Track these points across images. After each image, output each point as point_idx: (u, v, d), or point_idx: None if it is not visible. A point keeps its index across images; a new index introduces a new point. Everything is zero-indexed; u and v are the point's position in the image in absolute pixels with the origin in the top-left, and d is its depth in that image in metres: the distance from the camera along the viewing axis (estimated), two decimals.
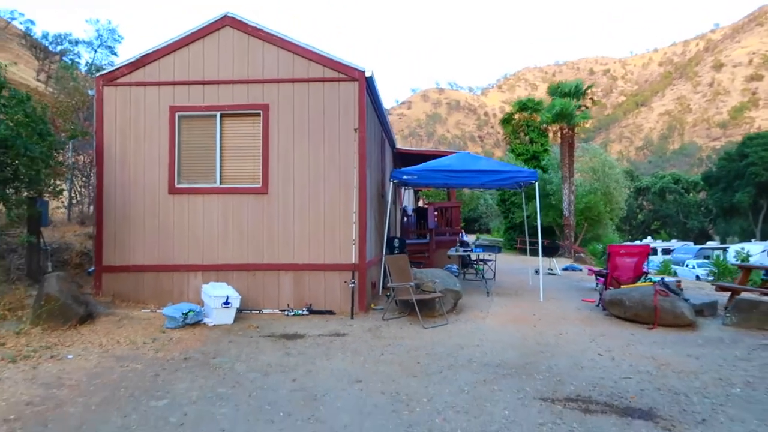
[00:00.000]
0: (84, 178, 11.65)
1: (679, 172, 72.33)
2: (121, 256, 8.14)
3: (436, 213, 14.87)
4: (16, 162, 6.50)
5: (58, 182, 9.49)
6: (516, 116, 34.16)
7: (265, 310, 7.85)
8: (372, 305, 8.40)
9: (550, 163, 31.81)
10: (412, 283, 7.64)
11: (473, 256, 12.72)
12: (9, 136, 6.14)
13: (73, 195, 11.60)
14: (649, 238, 44.58)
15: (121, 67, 8.41)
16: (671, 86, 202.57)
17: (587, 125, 28.06)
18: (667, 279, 9.12)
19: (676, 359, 5.72)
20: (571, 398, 4.48)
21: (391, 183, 10.14)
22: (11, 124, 6.44)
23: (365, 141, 8.18)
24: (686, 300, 7.53)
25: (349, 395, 4.45)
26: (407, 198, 19.08)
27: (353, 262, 7.94)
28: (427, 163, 10.50)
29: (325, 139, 8.13)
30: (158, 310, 7.40)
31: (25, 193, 7.75)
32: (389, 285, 7.86)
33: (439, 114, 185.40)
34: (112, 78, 8.39)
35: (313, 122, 8.16)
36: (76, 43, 67.04)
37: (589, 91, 27.23)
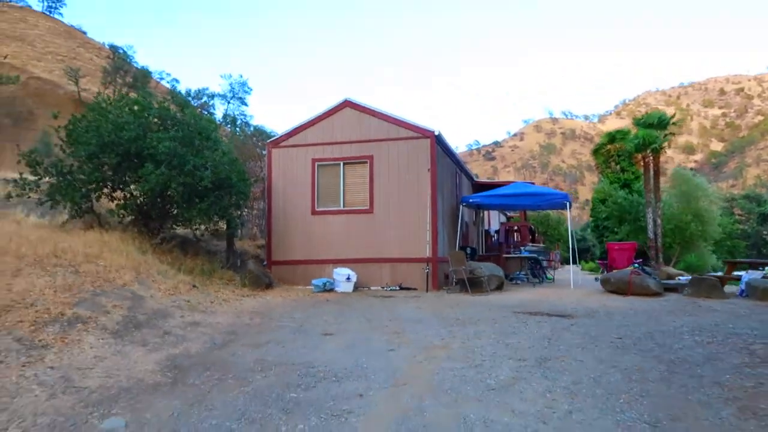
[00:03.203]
0: (251, 208, 17.18)
1: None
2: (282, 254, 13.25)
3: (507, 231, 18.93)
4: (234, 196, 11.77)
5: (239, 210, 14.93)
6: (608, 146, 36.91)
7: (372, 287, 12.51)
8: (443, 288, 12.76)
9: (642, 189, 34.16)
10: (464, 267, 11.95)
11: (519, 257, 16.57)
12: (229, 178, 11.40)
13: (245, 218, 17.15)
14: None
15: (282, 136, 13.73)
16: None
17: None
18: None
19: (615, 304, 9.60)
20: (533, 312, 8.63)
21: (461, 206, 14.54)
22: (227, 167, 11.67)
23: (436, 176, 12.72)
24: (655, 279, 11.15)
25: (412, 311, 8.95)
26: (494, 221, 23.21)
27: (428, 256, 12.41)
28: (489, 191, 14.83)
29: (409, 175, 12.78)
30: (306, 287, 12.32)
31: (225, 217, 13.09)
32: (450, 270, 12.24)
33: (553, 144, 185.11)
34: (276, 143, 13.73)
35: (401, 165, 12.86)
36: (212, 96, 78.11)
37: (672, 120, 29.77)
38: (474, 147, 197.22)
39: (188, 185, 10.40)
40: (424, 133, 12.84)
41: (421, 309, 9.23)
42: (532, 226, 19.63)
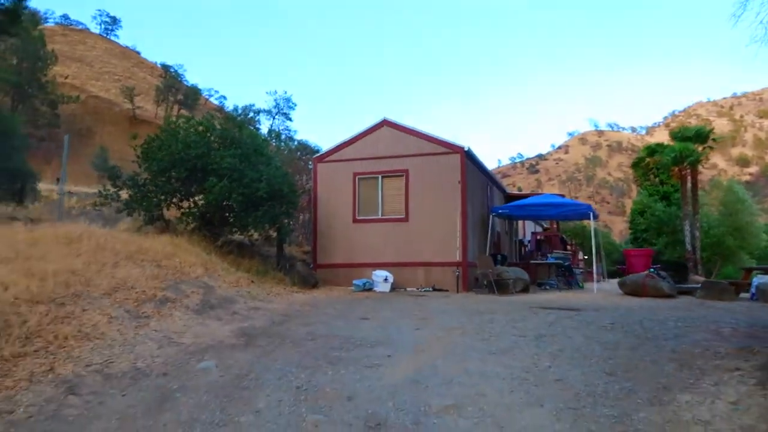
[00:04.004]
0: (297, 218, 18.83)
1: None
2: (327, 258, 14.78)
3: (538, 240, 20.03)
4: (285, 206, 13.37)
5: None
6: (647, 159, 37.37)
7: (407, 288, 13.88)
8: (473, 289, 14.01)
9: (680, 202, 34.49)
10: (491, 270, 13.19)
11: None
12: (281, 190, 13.00)
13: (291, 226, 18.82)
14: None
15: (326, 152, 15.34)
16: None
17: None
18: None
19: (625, 302, 10.70)
20: (546, 307, 9.83)
21: (491, 216, 15.80)
22: (279, 180, 13.25)
23: (465, 187, 14.03)
24: (669, 282, 12.15)
25: (439, 305, 10.30)
26: (529, 231, 24.27)
27: (458, 260, 13.71)
28: (516, 201, 16.05)
29: (441, 187, 14.13)
30: (348, 287, 13.78)
31: (277, 224, 14.72)
32: (478, 273, 13.51)
33: (599, 157, 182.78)
34: (321, 158, 15.34)
35: (434, 178, 14.23)
36: (258, 112, 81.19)
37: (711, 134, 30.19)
38: (517, 160, 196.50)
39: (246, 196, 12.03)
40: (454, 149, 14.20)
41: (448, 304, 10.54)
42: (563, 236, 20.63)
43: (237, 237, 14.22)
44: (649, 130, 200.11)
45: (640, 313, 8.75)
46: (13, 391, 4.30)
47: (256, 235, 13.74)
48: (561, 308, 9.62)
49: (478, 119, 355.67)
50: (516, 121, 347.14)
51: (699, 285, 12.72)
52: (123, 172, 13.15)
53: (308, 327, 7.55)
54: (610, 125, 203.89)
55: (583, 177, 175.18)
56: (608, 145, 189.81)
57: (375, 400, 4.64)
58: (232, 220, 13.05)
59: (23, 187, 22.20)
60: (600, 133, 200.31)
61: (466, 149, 14.10)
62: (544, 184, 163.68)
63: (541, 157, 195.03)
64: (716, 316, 8.35)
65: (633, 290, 12.22)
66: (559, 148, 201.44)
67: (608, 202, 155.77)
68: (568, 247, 24.07)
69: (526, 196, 18.83)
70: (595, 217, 15.51)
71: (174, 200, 12.79)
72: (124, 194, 12.79)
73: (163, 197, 12.48)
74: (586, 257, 28.62)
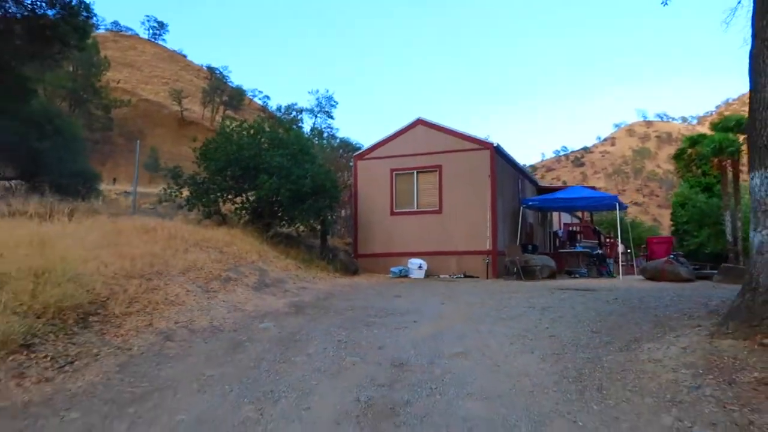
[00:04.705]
0: (339, 212, 20.28)
1: None
2: (366, 248, 16.12)
3: (570, 231, 20.89)
4: (328, 200, 14.77)
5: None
6: (689, 151, 37.35)
7: (441, 275, 15.08)
8: (503, 276, 15.10)
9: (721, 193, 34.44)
10: (518, 258, 14.26)
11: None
12: (324, 186, 14.39)
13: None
14: None
15: (365, 150, 16.68)
16: None
17: None
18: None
19: (641, 285, 11.65)
20: (564, 289, 10.89)
21: (522, 207, 16.84)
22: (323, 176, 14.65)
23: (495, 181, 15.13)
24: (687, 268, 12.98)
25: (467, 288, 11.51)
26: (560, 223, 25.05)
27: (488, 249, 14.83)
28: (545, 194, 17.02)
29: (472, 181, 15.26)
30: (386, 274, 15.07)
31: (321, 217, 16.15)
32: (506, 260, 14.60)
33: (647, 149, 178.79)
34: (360, 156, 16.68)
35: (465, 172, 15.37)
36: (301, 111, 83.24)
37: None
38: (562, 153, 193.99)
39: (293, 191, 13.46)
40: (484, 145, 15.32)
41: (475, 287, 11.72)
42: (596, 228, 21.43)
43: (285, 230, 15.70)
44: (701, 120, 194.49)
45: (646, 292, 9.74)
46: (127, 337, 5.75)
47: (302, 228, 15.18)
48: (578, 289, 10.66)
49: (520, 113, 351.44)
50: (560, 113, 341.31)
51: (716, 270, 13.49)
52: (184, 172, 14.77)
53: (349, 302, 8.89)
54: (659, 116, 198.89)
55: (630, 169, 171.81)
56: (657, 137, 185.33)
57: (400, 349, 5.91)
58: (280, 213, 14.52)
59: (89, 187, 24.35)
60: (649, 123, 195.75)
61: (495, 145, 15.19)
62: (589, 178, 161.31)
63: (586, 149, 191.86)
64: (715, 294, 9.25)
65: (653, 275, 13.10)
66: (606, 140, 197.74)
67: (657, 195, 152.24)
68: (607, 239, 24.68)
69: (557, 189, 19.73)
70: (623, 208, 16.33)
71: (229, 196, 14.34)
72: (185, 192, 14.44)
73: (219, 194, 14.05)
74: (629, 250, 29.15)
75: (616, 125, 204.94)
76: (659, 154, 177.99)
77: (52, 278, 5.95)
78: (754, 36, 5.82)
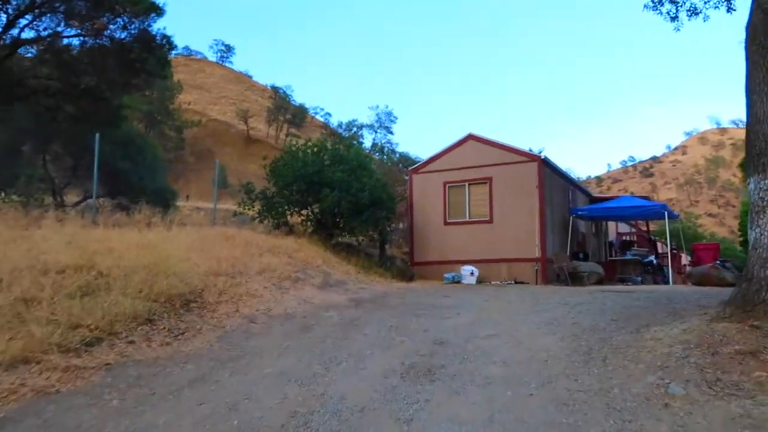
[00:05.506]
0: (397, 224, 21.61)
1: None
2: (421, 256, 17.32)
3: (623, 241, 21.38)
4: (384, 212, 16.10)
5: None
6: None
7: (492, 282, 16.07)
8: (552, 282, 15.93)
9: None
10: (565, 264, 15.08)
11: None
12: (381, 198, 15.73)
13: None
14: None
15: (420, 164, 17.95)
16: None
17: None
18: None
19: (681, 288, 12.28)
20: (605, 291, 11.72)
21: (571, 217, 17.63)
22: (380, 190, 16.01)
23: (543, 191, 16.03)
24: (733, 272, 13.46)
25: (513, 291, 12.52)
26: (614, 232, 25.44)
27: (537, 256, 15.72)
28: (595, 204, 17.74)
29: (521, 192, 16.22)
30: (440, 281, 16.20)
31: (379, 228, 17.49)
32: (554, 267, 15.44)
33: (721, 157, 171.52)
34: (416, 170, 17.96)
35: (514, 184, 16.36)
36: (361, 127, 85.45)
37: None
38: (629, 164, 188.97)
39: (352, 203, 14.85)
40: (532, 157, 16.28)
41: (521, 291, 12.70)
42: (652, 237, 21.81)
43: (346, 239, 17.12)
44: None
45: (679, 293, 10.49)
46: (220, 319, 7.20)
47: (361, 237, 16.55)
48: (618, 292, 11.47)
49: (584, 123, 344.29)
50: (627, 122, 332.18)
51: None
52: (255, 187, 16.48)
53: (401, 299, 10.13)
54: (734, 122, 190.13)
55: (703, 179, 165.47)
56: (732, 144, 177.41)
57: (442, 332, 7.09)
58: (341, 224, 15.95)
59: (168, 204, 26.70)
60: (722, 131, 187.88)
61: (543, 157, 16.12)
62: (659, 189, 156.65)
63: (655, 159, 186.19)
64: None
65: (698, 281, 13.66)
66: (676, 149, 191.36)
67: (733, 206, 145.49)
68: (672, 250, 24.80)
69: (608, 199, 20.33)
70: (674, 216, 16.85)
71: (296, 209, 15.90)
72: (256, 205, 16.13)
73: (287, 207, 15.63)
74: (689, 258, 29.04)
75: (687, 133, 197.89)
76: (735, 162, 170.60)
77: (161, 273, 7.50)
78: (747, 59, 6.72)
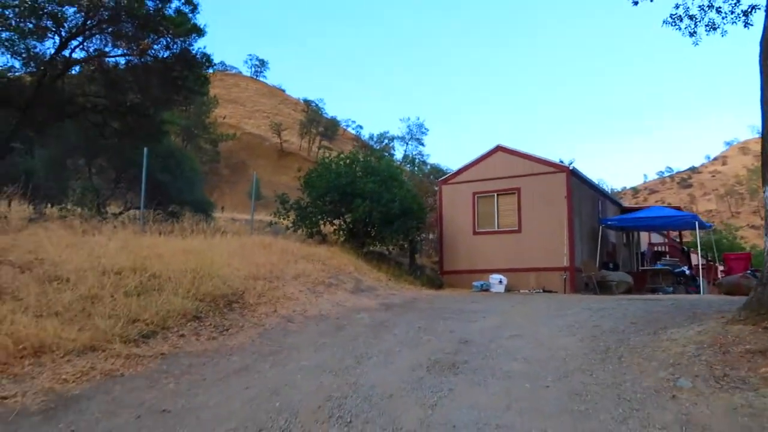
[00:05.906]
0: (427, 233, 22.06)
1: None
2: (451, 265, 17.72)
3: (654, 251, 21.39)
4: (414, 221, 16.58)
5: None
6: None
7: (521, 290, 16.37)
8: (580, 291, 16.14)
9: None
10: (594, 274, 15.29)
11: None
12: (411, 208, 16.22)
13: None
14: None
15: (449, 175, 18.40)
16: None
17: None
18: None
19: (708, 297, 12.42)
20: (643, 299, 11.95)
21: (601, 227, 17.82)
22: (410, 200, 16.53)
23: (571, 201, 16.30)
24: None
25: (540, 299, 12.83)
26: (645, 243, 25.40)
27: (565, 265, 15.98)
28: (625, 214, 17.91)
29: (549, 202, 16.52)
30: (469, 290, 16.56)
31: (409, 237, 17.96)
32: (583, 276, 15.66)
33: None
34: (445, 181, 18.42)
35: (542, 194, 16.67)
36: (393, 139, 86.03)
37: None
38: (666, 174, 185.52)
39: (383, 213, 15.39)
40: (560, 168, 16.58)
41: (549, 299, 13.00)
42: (684, 247, 21.78)
43: (377, 248, 17.66)
44: None
45: (705, 300, 10.69)
46: (260, 318, 7.78)
47: (392, 247, 17.05)
48: (645, 300, 11.70)
49: (619, 133, 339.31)
50: (664, 132, 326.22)
51: None
52: (290, 198, 17.17)
53: (430, 304, 10.59)
54: None
55: (745, 190, 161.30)
56: None
57: (467, 333, 7.52)
58: (373, 233, 16.49)
59: (205, 215, 27.66)
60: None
61: (571, 168, 16.41)
62: (698, 200, 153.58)
63: (693, 169, 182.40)
64: None
65: (728, 290, 13.74)
66: (716, 159, 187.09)
67: None
68: (707, 260, 24.64)
69: (639, 209, 20.42)
70: (706, 227, 16.91)
71: (329, 219, 16.51)
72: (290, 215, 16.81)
73: (320, 216, 16.25)
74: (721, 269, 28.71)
75: (728, 143, 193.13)
76: None
77: (205, 276, 8.13)
78: (762, 73, 7.04)
